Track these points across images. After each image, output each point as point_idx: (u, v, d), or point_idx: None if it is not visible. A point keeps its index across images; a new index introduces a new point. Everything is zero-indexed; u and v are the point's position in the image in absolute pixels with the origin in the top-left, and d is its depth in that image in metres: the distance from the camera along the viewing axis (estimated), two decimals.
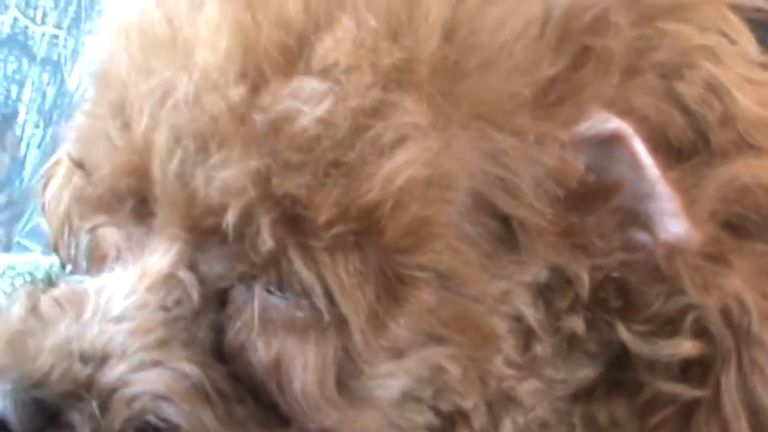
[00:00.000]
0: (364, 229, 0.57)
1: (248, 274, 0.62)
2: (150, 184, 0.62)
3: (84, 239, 0.80)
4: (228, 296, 0.63)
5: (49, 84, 1.51)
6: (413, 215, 0.57)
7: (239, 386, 0.62)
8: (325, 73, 0.57)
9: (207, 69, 0.58)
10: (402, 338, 0.61)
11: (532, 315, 0.64)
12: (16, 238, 1.41)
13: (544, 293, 0.64)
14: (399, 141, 0.57)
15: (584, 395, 0.69)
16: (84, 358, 0.61)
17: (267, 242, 0.57)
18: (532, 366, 0.66)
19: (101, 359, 0.61)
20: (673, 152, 0.64)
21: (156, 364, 0.61)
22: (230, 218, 0.57)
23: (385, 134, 0.56)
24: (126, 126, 0.62)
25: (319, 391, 0.61)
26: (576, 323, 0.65)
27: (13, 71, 1.54)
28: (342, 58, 0.57)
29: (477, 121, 0.59)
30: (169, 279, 0.63)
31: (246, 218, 0.57)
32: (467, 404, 0.66)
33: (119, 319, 0.63)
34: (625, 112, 0.62)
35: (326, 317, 0.59)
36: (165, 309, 0.63)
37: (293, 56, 0.58)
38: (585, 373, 0.68)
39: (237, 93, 0.57)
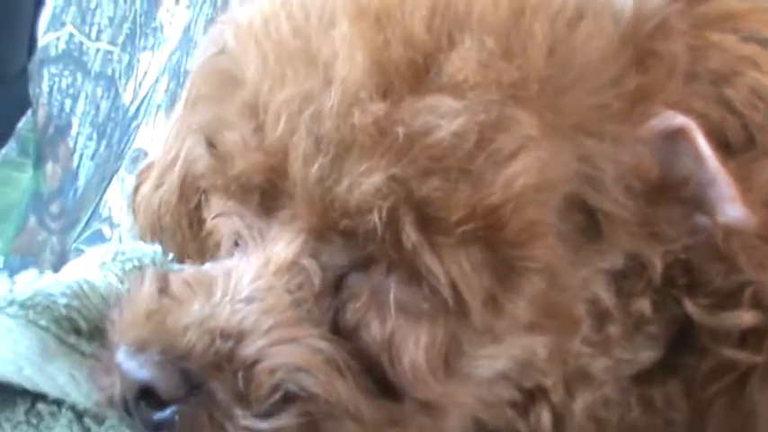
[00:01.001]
0: (486, 227, 0.65)
1: (364, 263, 0.70)
2: (283, 183, 0.70)
3: (192, 230, 0.88)
4: (344, 282, 0.71)
5: (102, 98, 1.55)
6: (528, 215, 0.66)
7: (356, 361, 0.70)
8: (456, 90, 0.64)
9: (348, 84, 0.65)
10: (514, 322, 0.69)
11: (608, 298, 0.72)
12: (74, 245, 1.47)
13: (618, 279, 0.73)
14: (517, 151, 0.65)
15: (642, 377, 0.77)
16: (224, 334, 0.68)
17: (411, 238, 0.65)
18: (605, 346, 0.74)
19: (238, 335, 0.69)
20: (727, 148, 0.72)
21: (291, 339, 0.69)
22: (376, 218, 0.65)
23: (505, 145, 0.64)
24: (259, 129, 0.69)
25: (427, 366, 0.69)
26: (645, 305, 0.74)
27: (68, 85, 1.59)
28: (470, 76, 0.64)
29: (574, 130, 0.67)
30: (293, 266, 0.71)
31: (391, 218, 0.65)
32: (548, 381, 0.74)
33: (249, 300, 0.70)
34: (687, 112, 0.70)
35: (450, 303, 0.67)
36: (289, 292, 0.71)
37: (421, 73, 0.65)
38: (648, 354, 0.76)
39: (379, 107, 0.65)
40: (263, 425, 0.66)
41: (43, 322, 0.75)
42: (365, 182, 0.65)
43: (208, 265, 0.77)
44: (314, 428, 0.68)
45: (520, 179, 0.65)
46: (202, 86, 0.78)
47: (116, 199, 1.42)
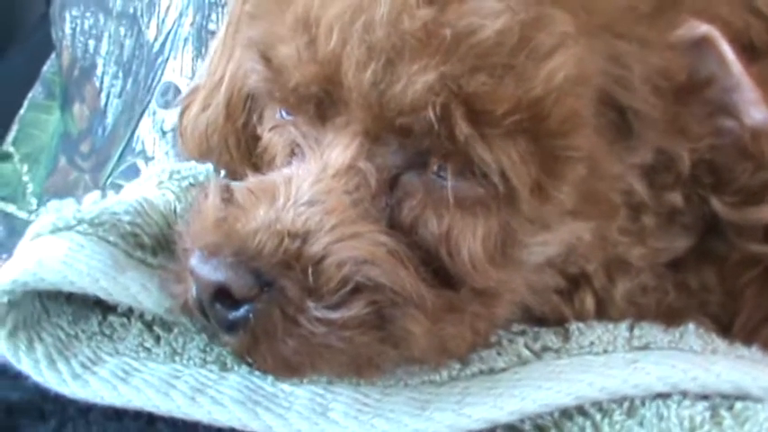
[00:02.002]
0: (531, 118, 0.71)
1: (418, 162, 0.76)
2: (338, 92, 0.75)
3: (239, 148, 0.93)
4: (398, 181, 0.77)
5: (125, 36, 1.57)
6: (568, 106, 0.71)
7: (415, 254, 0.76)
8: None
9: None
10: (561, 206, 0.75)
11: (642, 190, 0.78)
12: (109, 180, 1.50)
13: (650, 173, 0.79)
14: (555, 47, 0.70)
15: (678, 264, 0.83)
16: (291, 235, 0.74)
17: (463, 130, 0.71)
18: (641, 235, 0.80)
19: (304, 235, 0.74)
20: (753, 51, 0.77)
21: (354, 235, 0.74)
22: (431, 113, 0.70)
23: (545, 42, 0.70)
24: (312, 41, 0.75)
25: (485, 256, 0.75)
26: (676, 198, 0.80)
27: (90, 26, 1.62)
28: None
29: (604, 30, 0.73)
30: (350, 169, 0.77)
31: (444, 113, 0.70)
32: (590, 267, 0.80)
33: (311, 203, 0.76)
34: (712, 18, 0.75)
35: (500, 190, 0.72)
36: (348, 193, 0.76)
37: None
38: (681, 243, 0.82)
39: (426, 12, 0.70)
40: (335, 315, 0.72)
41: (111, 238, 0.80)
42: (418, 81, 0.70)
43: (268, 174, 0.81)
44: (380, 316, 0.73)
45: (559, 73, 0.70)
46: (254, 5, 0.82)
47: (148, 133, 1.45)
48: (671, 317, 0.82)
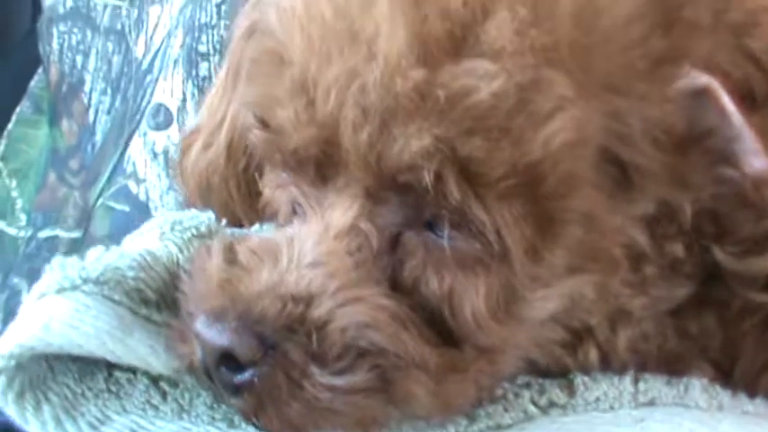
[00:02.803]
0: (527, 182, 0.72)
1: (417, 221, 0.77)
2: (337, 153, 0.76)
3: (240, 191, 0.94)
4: (399, 241, 0.78)
5: (113, 53, 1.58)
6: (564, 170, 0.72)
7: (417, 314, 0.77)
8: (494, 55, 0.70)
9: (390, 57, 0.72)
10: (554, 268, 0.75)
11: (644, 241, 0.79)
12: (100, 201, 1.50)
13: (651, 224, 0.79)
14: (553, 111, 0.71)
15: (678, 311, 0.84)
16: (294, 298, 0.75)
17: (455, 193, 0.72)
18: (643, 285, 0.81)
19: (307, 299, 0.75)
20: (753, 101, 0.77)
21: (357, 299, 0.75)
22: (426, 176, 0.71)
23: (542, 105, 0.71)
24: (310, 104, 0.76)
25: (488, 313, 0.76)
26: (677, 248, 0.80)
27: (78, 42, 1.62)
28: (507, 44, 0.70)
29: (603, 89, 0.73)
30: (351, 229, 0.78)
31: (438, 176, 0.71)
32: (593, 320, 0.81)
33: (314, 265, 0.77)
34: (711, 68, 0.76)
35: (495, 248, 0.73)
36: (350, 254, 0.77)
37: (459, 42, 0.71)
38: (682, 291, 0.83)
39: (419, 73, 0.71)
40: (339, 381, 0.73)
41: (116, 297, 0.80)
42: (412, 143, 0.71)
43: (270, 233, 0.83)
44: (383, 379, 0.74)
45: (558, 137, 0.71)
46: (251, 66, 0.83)
47: (139, 154, 1.45)
48: (672, 362, 0.83)
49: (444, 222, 0.75)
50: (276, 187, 0.87)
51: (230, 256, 0.79)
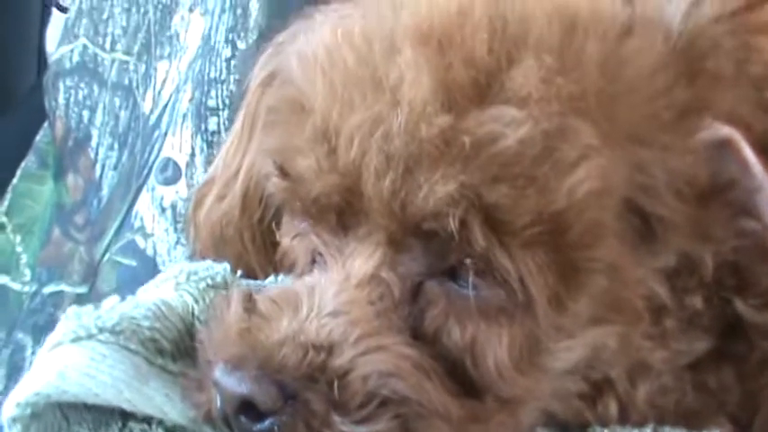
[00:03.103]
0: (551, 231, 0.72)
1: (440, 269, 0.76)
2: (359, 202, 0.76)
3: (255, 243, 0.94)
4: (420, 290, 0.77)
5: (121, 108, 1.57)
6: (589, 219, 0.72)
7: (439, 364, 0.76)
8: (521, 102, 0.71)
9: (414, 103, 0.72)
10: (578, 318, 0.75)
11: (664, 294, 0.79)
12: (107, 255, 1.50)
13: (672, 277, 0.79)
14: (579, 159, 0.71)
15: (697, 365, 0.83)
16: (315, 347, 0.74)
17: (480, 240, 0.72)
18: (663, 338, 0.81)
19: (328, 347, 0.74)
20: None
21: (379, 348, 0.75)
22: (451, 223, 0.71)
23: (568, 154, 0.71)
24: (332, 152, 0.76)
25: (511, 364, 0.75)
26: (697, 301, 0.80)
27: (84, 97, 1.61)
28: (533, 91, 0.71)
29: (627, 140, 0.74)
30: (373, 279, 0.78)
31: (463, 222, 0.71)
32: (613, 373, 0.80)
33: (335, 314, 0.76)
34: (733, 120, 0.76)
35: (519, 297, 0.73)
36: (371, 303, 0.77)
37: (483, 89, 0.72)
38: (701, 345, 0.82)
39: (444, 120, 0.71)
40: (361, 429, 0.72)
41: (133, 346, 0.80)
42: (438, 190, 0.71)
43: (289, 283, 0.83)
44: (406, 429, 0.73)
45: (583, 186, 0.71)
46: (270, 115, 0.83)
47: (147, 209, 1.45)
48: (690, 418, 0.82)
49: (468, 271, 0.75)
50: (294, 237, 0.86)
51: (249, 305, 0.78)
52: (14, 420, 0.76)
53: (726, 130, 0.76)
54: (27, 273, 1.65)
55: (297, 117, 0.79)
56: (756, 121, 0.77)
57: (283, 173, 0.80)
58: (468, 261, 0.74)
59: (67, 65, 1.66)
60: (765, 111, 0.78)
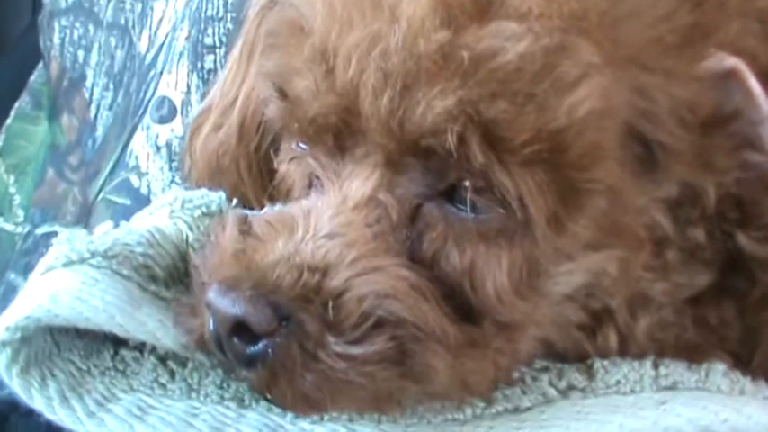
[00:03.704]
0: (551, 149, 0.70)
1: (438, 190, 0.75)
2: (356, 122, 0.75)
3: (251, 171, 0.93)
4: (419, 213, 0.76)
5: (116, 47, 1.56)
6: (590, 139, 0.71)
7: (436, 287, 0.75)
8: (521, 17, 0.70)
9: (413, 20, 0.71)
10: (577, 240, 0.74)
11: (666, 225, 0.78)
12: (102, 195, 1.49)
13: (674, 208, 0.78)
14: (580, 78, 0.70)
15: (697, 300, 0.83)
16: (310, 268, 0.73)
17: (478, 157, 0.70)
18: (664, 270, 0.80)
19: (324, 268, 0.73)
20: None
21: (375, 269, 0.74)
22: (449, 139, 0.70)
23: (569, 71, 0.70)
24: (330, 72, 0.75)
25: (511, 287, 0.74)
26: (699, 234, 0.79)
27: (80, 36, 1.60)
28: (534, 6, 0.70)
29: (630, 62, 0.72)
30: (370, 201, 0.77)
31: (461, 138, 0.70)
32: (613, 303, 0.80)
33: (331, 236, 0.75)
34: (739, 52, 0.75)
35: (518, 216, 0.72)
36: (368, 225, 0.76)
37: (483, 5, 0.71)
38: (702, 279, 0.82)
39: (443, 36, 0.70)
40: (356, 350, 0.71)
41: (125, 271, 0.79)
42: (436, 105, 0.70)
43: (286, 206, 0.81)
44: (401, 351, 0.72)
45: (584, 105, 0.70)
46: (269, 38, 0.82)
47: (142, 148, 1.44)
48: (690, 352, 0.82)
49: (466, 191, 0.74)
50: (291, 161, 0.85)
51: (245, 227, 0.78)
52: (4, 344, 0.75)
53: (731, 61, 0.75)
54: (20, 213, 1.64)
55: (296, 39, 0.77)
56: (762, 53, 0.76)
57: (282, 94, 0.79)
58: (466, 181, 0.73)
59: (63, 4, 1.64)
60: None
